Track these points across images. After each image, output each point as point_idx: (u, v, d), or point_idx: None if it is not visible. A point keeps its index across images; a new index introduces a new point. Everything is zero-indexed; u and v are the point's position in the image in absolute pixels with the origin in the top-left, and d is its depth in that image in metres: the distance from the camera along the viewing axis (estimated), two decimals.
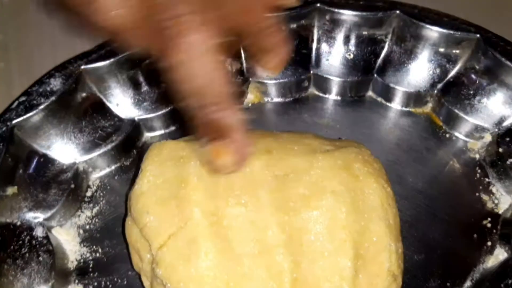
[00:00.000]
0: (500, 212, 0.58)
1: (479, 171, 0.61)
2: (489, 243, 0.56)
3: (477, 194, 0.59)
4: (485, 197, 0.59)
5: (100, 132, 0.61)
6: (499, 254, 0.55)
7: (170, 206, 0.47)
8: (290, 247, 0.46)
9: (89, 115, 0.61)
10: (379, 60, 0.65)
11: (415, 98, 0.64)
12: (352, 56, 0.66)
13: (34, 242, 0.54)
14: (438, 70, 0.64)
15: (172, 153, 0.51)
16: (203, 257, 0.45)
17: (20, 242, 0.53)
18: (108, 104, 0.62)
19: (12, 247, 0.53)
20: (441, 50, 0.63)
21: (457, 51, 0.63)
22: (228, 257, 0.45)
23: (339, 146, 0.52)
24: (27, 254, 0.53)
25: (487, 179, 0.60)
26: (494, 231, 0.57)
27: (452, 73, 0.63)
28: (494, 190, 0.59)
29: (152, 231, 0.47)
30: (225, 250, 0.45)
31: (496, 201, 0.59)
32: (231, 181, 0.48)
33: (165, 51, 0.42)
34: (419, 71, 0.64)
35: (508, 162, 0.58)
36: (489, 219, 0.58)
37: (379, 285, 0.46)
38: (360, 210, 0.48)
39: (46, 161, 0.58)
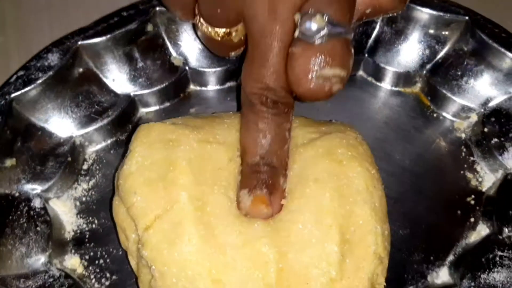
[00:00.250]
0: (484, 189, 0.60)
1: (464, 150, 0.62)
2: (472, 219, 0.58)
3: (462, 172, 0.61)
4: (469, 175, 0.61)
5: (96, 107, 0.62)
6: (482, 230, 0.57)
7: (158, 188, 0.48)
8: (276, 238, 0.47)
9: (86, 90, 0.62)
10: (370, 41, 0.66)
11: (404, 78, 0.66)
12: None
13: (32, 212, 0.55)
14: (427, 51, 0.65)
15: (161, 136, 0.51)
16: (187, 242, 0.46)
17: (18, 212, 0.55)
18: (104, 79, 0.63)
19: (10, 217, 0.54)
20: (431, 31, 0.64)
21: (446, 33, 0.64)
22: (210, 244, 0.46)
23: (323, 132, 0.53)
24: (25, 224, 0.54)
25: (472, 158, 0.62)
26: (477, 208, 0.59)
27: (441, 54, 0.64)
28: (478, 168, 0.61)
29: (138, 211, 0.48)
30: (208, 237, 0.46)
31: (480, 179, 0.60)
32: (218, 170, 0.50)
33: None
34: (409, 51, 0.65)
35: (492, 142, 0.60)
36: (472, 196, 0.59)
37: (366, 268, 0.47)
38: (345, 195, 0.49)
39: (44, 134, 0.59)
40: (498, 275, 0.52)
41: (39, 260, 0.53)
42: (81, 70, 0.62)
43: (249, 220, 0.48)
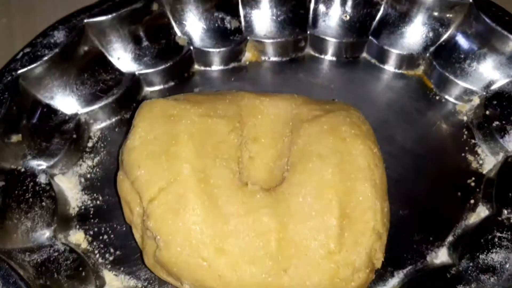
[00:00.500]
0: (484, 172, 0.60)
1: (466, 132, 0.63)
2: (472, 201, 0.59)
3: (463, 154, 0.62)
4: (470, 157, 0.61)
5: (101, 85, 0.63)
6: (481, 212, 0.58)
7: (161, 161, 0.49)
8: (277, 208, 0.48)
9: (91, 68, 0.62)
10: (375, 23, 0.66)
11: (408, 60, 0.66)
12: (348, 17, 0.67)
13: (37, 188, 0.56)
14: (431, 34, 0.65)
15: (163, 111, 0.52)
16: (191, 212, 0.47)
17: (24, 187, 0.55)
18: (109, 58, 0.63)
19: (16, 192, 0.55)
20: (435, 14, 0.64)
21: (450, 15, 0.64)
22: (214, 214, 0.47)
23: (328, 110, 0.54)
24: (30, 199, 0.55)
25: (473, 141, 0.62)
26: (478, 190, 0.59)
27: (445, 37, 0.65)
28: (479, 151, 0.61)
29: (143, 184, 0.49)
30: (211, 207, 0.47)
31: (480, 162, 0.61)
32: (219, 143, 0.51)
33: None
34: (413, 34, 0.66)
35: (494, 125, 0.60)
36: (473, 178, 0.60)
37: (364, 243, 0.48)
38: (347, 171, 0.49)
39: (49, 111, 0.60)
40: (496, 256, 0.53)
41: (44, 234, 0.54)
42: (86, 48, 0.62)
43: (251, 191, 0.49)
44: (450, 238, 0.57)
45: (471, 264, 0.53)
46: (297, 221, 0.47)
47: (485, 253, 0.53)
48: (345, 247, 0.47)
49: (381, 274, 0.55)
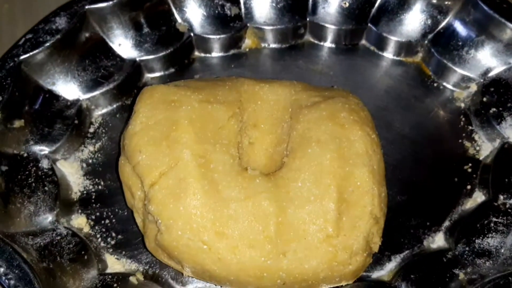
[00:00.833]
0: (481, 158, 0.61)
1: (463, 119, 0.63)
2: (468, 187, 0.59)
3: (460, 140, 0.62)
4: (467, 143, 0.62)
5: (102, 71, 0.63)
6: (477, 197, 0.59)
7: (161, 146, 0.50)
8: (276, 193, 0.49)
9: (92, 54, 0.63)
10: (374, 10, 0.67)
11: (406, 47, 0.66)
12: (347, 4, 0.67)
13: (40, 173, 0.57)
14: (429, 21, 0.65)
15: (164, 97, 0.53)
16: (192, 196, 0.48)
17: (27, 172, 0.56)
18: (110, 44, 0.64)
19: (19, 176, 0.55)
20: (433, 1, 0.65)
21: (449, 3, 0.64)
22: (215, 198, 0.48)
23: (327, 97, 0.54)
24: (33, 184, 0.56)
25: (470, 127, 0.63)
26: (474, 175, 0.60)
27: (443, 24, 0.65)
28: (476, 137, 0.62)
29: (144, 169, 0.50)
30: (212, 191, 0.48)
31: (477, 148, 0.61)
32: (219, 129, 0.51)
33: None
34: (412, 21, 0.66)
35: (491, 111, 0.61)
36: (470, 164, 0.61)
37: (362, 227, 0.49)
38: (345, 157, 0.50)
39: (51, 97, 0.60)
40: (492, 240, 0.54)
41: (47, 218, 0.55)
42: (88, 34, 0.62)
43: (250, 176, 0.49)
44: (446, 223, 0.58)
45: (467, 248, 0.54)
46: (296, 206, 0.48)
47: (481, 237, 0.54)
48: (343, 231, 0.48)
49: (378, 258, 0.56)
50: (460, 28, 0.64)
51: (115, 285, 0.53)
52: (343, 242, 0.48)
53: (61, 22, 0.60)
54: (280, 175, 0.50)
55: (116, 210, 0.58)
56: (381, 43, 0.67)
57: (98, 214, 0.58)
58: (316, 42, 0.69)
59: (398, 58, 0.68)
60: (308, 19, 0.68)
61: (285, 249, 0.48)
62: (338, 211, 0.48)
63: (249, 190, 0.48)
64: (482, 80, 0.63)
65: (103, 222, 0.57)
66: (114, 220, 0.57)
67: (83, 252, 0.53)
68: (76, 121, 0.60)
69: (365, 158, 0.50)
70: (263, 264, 0.48)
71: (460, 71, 0.64)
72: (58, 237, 0.54)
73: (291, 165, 0.50)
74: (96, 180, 0.59)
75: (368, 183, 0.49)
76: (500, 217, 0.55)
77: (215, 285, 0.54)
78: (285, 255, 0.48)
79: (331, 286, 0.51)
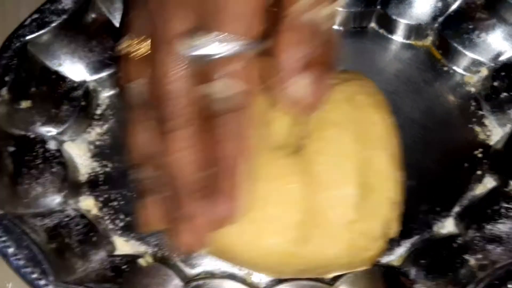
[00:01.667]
0: (491, 143, 0.61)
1: (473, 103, 0.63)
2: (479, 172, 0.59)
3: (470, 125, 0.62)
4: (477, 128, 0.61)
5: (109, 52, 0.62)
6: (488, 183, 0.58)
7: None
8: (301, 176, 0.48)
9: (99, 35, 0.62)
10: None
11: (416, 31, 0.66)
12: None
13: (47, 154, 0.56)
14: (440, 4, 0.65)
15: None
16: None
17: (34, 153, 0.56)
18: (116, 25, 0.63)
19: (27, 157, 0.55)
20: None
21: None
22: None
23: (343, 79, 0.54)
24: (41, 165, 0.55)
25: (480, 112, 0.62)
26: (485, 161, 0.60)
27: (453, 7, 0.64)
28: (487, 122, 0.62)
29: None
30: None
31: (488, 133, 0.61)
32: None
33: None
34: (422, 3, 0.65)
35: (502, 96, 0.60)
36: (480, 149, 0.60)
37: (382, 212, 0.48)
38: (363, 140, 0.49)
39: (58, 78, 0.60)
40: (502, 226, 0.54)
41: (55, 200, 0.54)
42: (94, 15, 0.62)
43: (275, 157, 0.48)
44: (456, 209, 0.57)
45: (477, 234, 0.54)
46: (316, 190, 0.47)
47: (491, 223, 0.54)
48: (364, 217, 0.48)
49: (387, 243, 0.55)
50: (471, 11, 0.64)
51: (123, 266, 0.52)
52: (364, 227, 0.48)
53: (67, 3, 0.59)
54: (300, 158, 0.49)
55: (124, 192, 0.58)
56: (391, 26, 0.67)
57: (106, 195, 0.57)
58: None
59: (407, 42, 0.67)
60: None
61: (308, 235, 0.47)
62: (359, 196, 0.47)
63: (277, 170, 0.48)
64: (493, 64, 0.62)
65: (111, 204, 0.57)
66: (122, 202, 0.57)
67: (91, 234, 0.53)
68: (83, 103, 0.60)
69: (384, 142, 0.50)
70: (287, 250, 0.47)
71: (470, 55, 0.63)
72: (67, 219, 0.53)
73: (310, 147, 0.49)
74: (104, 162, 0.59)
75: (388, 167, 0.49)
76: (511, 203, 0.55)
77: (231, 266, 0.54)
78: (308, 241, 0.47)
79: (348, 271, 0.51)
